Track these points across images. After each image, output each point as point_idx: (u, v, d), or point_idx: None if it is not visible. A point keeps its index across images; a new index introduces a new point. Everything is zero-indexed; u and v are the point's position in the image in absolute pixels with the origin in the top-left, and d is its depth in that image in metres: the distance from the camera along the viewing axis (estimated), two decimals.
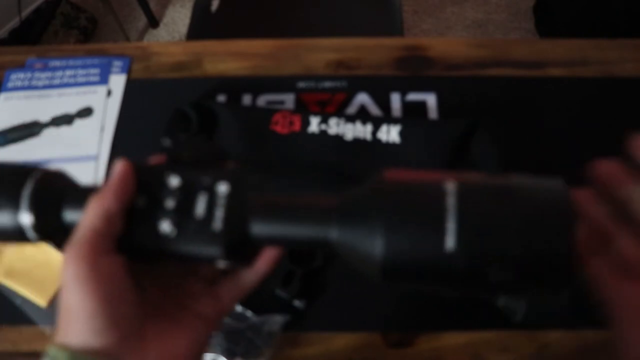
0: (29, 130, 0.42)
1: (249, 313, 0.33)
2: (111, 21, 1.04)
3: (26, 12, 0.93)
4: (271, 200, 0.18)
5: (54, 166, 0.19)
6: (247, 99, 0.43)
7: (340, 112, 0.41)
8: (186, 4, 1.11)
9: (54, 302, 0.35)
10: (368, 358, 0.33)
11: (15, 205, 0.18)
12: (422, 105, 0.42)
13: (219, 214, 0.17)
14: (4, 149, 0.41)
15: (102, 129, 0.42)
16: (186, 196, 0.18)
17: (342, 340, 0.33)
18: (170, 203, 0.18)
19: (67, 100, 0.43)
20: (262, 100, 0.43)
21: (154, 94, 0.43)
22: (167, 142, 0.19)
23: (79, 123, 0.42)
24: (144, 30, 1.09)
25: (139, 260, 0.19)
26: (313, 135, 0.39)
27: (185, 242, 0.17)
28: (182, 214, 0.17)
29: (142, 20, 1.09)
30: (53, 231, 0.18)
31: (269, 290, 0.33)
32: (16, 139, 0.42)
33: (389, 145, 0.38)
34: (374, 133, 0.39)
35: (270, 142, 0.38)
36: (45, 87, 0.44)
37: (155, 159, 0.20)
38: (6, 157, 0.41)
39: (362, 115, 0.41)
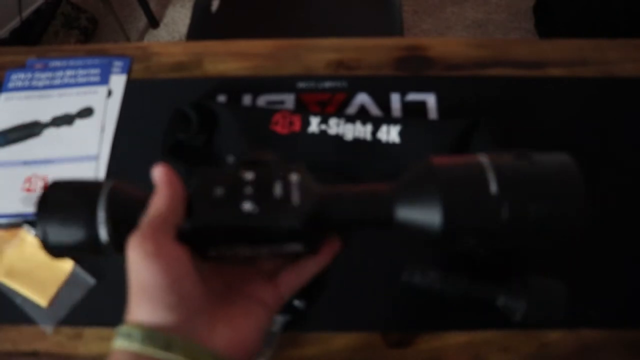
0: (29, 130, 0.42)
1: None
2: (111, 21, 1.04)
3: (27, 12, 0.93)
4: (338, 187, 0.20)
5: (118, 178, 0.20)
6: (247, 99, 0.43)
7: (340, 112, 0.41)
8: (186, 4, 1.11)
9: (54, 302, 0.35)
10: (368, 358, 0.33)
11: (92, 221, 0.19)
12: (422, 105, 0.42)
13: (296, 193, 0.19)
14: (4, 149, 0.41)
15: (102, 129, 0.42)
16: (262, 184, 0.19)
17: (342, 340, 0.33)
18: (248, 190, 0.19)
19: (68, 101, 0.43)
20: (262, 100, 0.43)
21: (154, 94, 0.43)
22: (231, 159, 0.21)
23: (79, 123, 0.42)
24: (144, 31, 1.09)
25: (216, 248, 0.19)
26: (313, 135, 0.39)
27: (267, 217, 0.18)
28: (261, 196, 0.19)
29: (143, 20, 1.09)
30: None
31: None
32: (17, 139, 0.42)
33: (388, 146, 0.38)
34: (374, 133, 0.39)
35: (270, 142, 0.39)
36: (45, 87, 0.44)
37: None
38: (7, 158, 0.41)
39: (362, 115, 0.41)
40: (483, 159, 0.19)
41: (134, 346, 0.17)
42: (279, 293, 0.21)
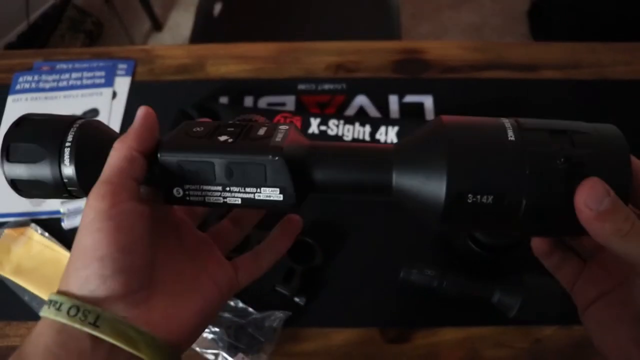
0: None
1: (250, 309, 0.34)
2: (116, 25, 1.05)
3: (34, 16, 0.95)
4: (331, 143, 0.18)
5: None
6: (248, 101, 0.44)
7: (339, 114, 0.42)
8: (189, 8, 1.13)
9: None
10: (366, 353, 0.33)
11: (57, 157, 0.17)
12: (419, 107, 0.43)
13: (280, 135, 0.17)
14: None
15: None
16: (246, 126, 0.18)
17: (341, 336, 0.34)
18: (230, 130, 0.17)
19: (74, 102, 0.44)
20: (264, 102, 0.44)
21: (158, 96, 0.44)
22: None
23: None
24: (148, 34, 1.11)
25: (183, 186, 0.17)
26: (313, 136, 0.40)
27: (242, 147, 0.17)
28: (242, 134, 0.17)
29: (147, 24, 1.10)
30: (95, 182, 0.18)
31: (270, 287, 0.34)
32: None
33: None
34: (373, 134, 0.40)
35: None
36: (52, 89, 0.45)
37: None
38: None
39: (361, 116, 0.42)
40: (504, 119, 0.16)
41: (59, 317, 0.15)
42: (235, 277, 0.20)
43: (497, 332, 0.33)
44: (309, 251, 0.36)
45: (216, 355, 0.32)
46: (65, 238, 0.38)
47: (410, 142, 0.17)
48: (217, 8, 0.70)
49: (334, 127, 0.40)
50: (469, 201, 0.15)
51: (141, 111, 0.18)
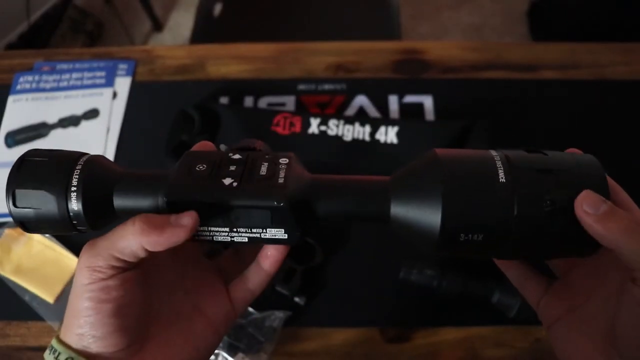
0: (36, 131, 0.43)
1: (250, 309, 0.34)
2: (117, 25, 1.06)
3: (34, 16, 0.95)
4: (331, 176, 0.19)
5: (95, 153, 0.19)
6: (248, 101, 0.44)
7: (339, 114, 0.42)
8: (190, 8, 1.13)
9: (60, 299, 0.36)
10: (366, 353, 0.33)
11: (64, 200, 0.17)
12: (419, 107, 0.43)
13: (282, 173, 0.18)
14: (12, 149, 0.42)
15: (108, 130, 0.43)
16: (248, 163, 0.18)
17: (341, 336, 0.34)
18: (232, 168, 0.18)
19: (74, 102, 0.44)
20: (264, 102, 0.44)
21: (158, 96, 0.44)
22: (223, 147, 0.20)
23: (85, 124, 0.43)
24: (148, 34, 1.11)
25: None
26: (313, 136, 0.40)
27: (247, 192, 0.17)
28: (245, 173, 0.18)
29: (147, 24, 1.10)
30: (103, 219, 0.18)
31: (270, 287, 0.34)
32: (25, 140, 0.43)
33: (387, 146, 0.39)
34: (373, 134, 0.40)
35: (271, 142, 0.39)
36: (52, 89, 0.45)
37: (202, 148, 0.20)
38: (15, 158, 0.42)
39: (361, 116, 0.42)
40: (493, 152, 0.17)
41: None
42: (232, 309, 0.20)
43: (497, 332, 0.33)
44: (309, 251, 0.36)
45: (216, 355, 0.32)
46: (66, 238, 0.38)
47: (406, 175, 0.18)
48: (217, 8, 0.70)
49: (334, 127, 0.40)
50: (461, 239, 0.17)
51: (190, 221, 0.17)
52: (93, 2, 1.07)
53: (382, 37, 0.65)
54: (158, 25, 1.10)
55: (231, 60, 0.46)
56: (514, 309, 0.32)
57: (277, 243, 0.18)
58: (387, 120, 0.40)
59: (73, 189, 0.17)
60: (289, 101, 0.43)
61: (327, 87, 0.44)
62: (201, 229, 0.18)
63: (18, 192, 0.17)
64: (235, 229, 0.18)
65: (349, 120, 0.40)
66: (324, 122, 0.40)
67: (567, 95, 0.43)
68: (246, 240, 0.18)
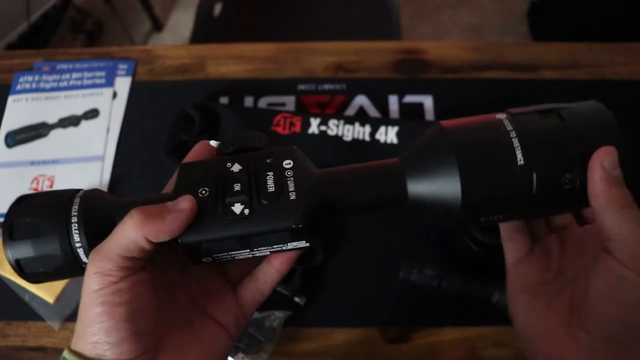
0: (36, 131, 0.43)
1: None
2: (117, 25, 1.06)
3: (34, 16, 0.95)
4: (339, 169, 0.18)
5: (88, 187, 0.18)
6: (248, 101, 0.44)
7: (339, 114, 0.42)
8: (190, 8, 1.13)
9: (60, 299, 0.36)
10: (366, 353, 0.33)
11: (65, 227, 0.16)
12: (419, 107, 0.43)
13: (291, 184, 0.17)
14: (12, 149, 0.42)
15: (108, 130, 0.43)
16: (251, 178, 0.17)
17: (341, 336, 0.34)
18: (237, 187, 0.17)
19: (74, 102, 0.44)
20: (264, 102, 0.44)
21: (158, 96, 0.44)
22: (214, 143, 0.20)
23: (85, 124, 0.43)
24: (148, 34, 1.11)
25: (212, 257, 0.17)
26: (313, 136, 0.40)
27: (261, 221, 0.16)
28: (252, 194, 0.17)
29: (147, 24, 1.10)
30: None
31: None
32: (24, 140, 0.43)
33: (387, 146, 0.39)
34: (373, 134, 0.40)
35: (271, 142, 0.39)
36: (52, 89, 0.45)
37: (200, 153, 0.19)
38: (15, 158, 0.42)
39: (361, 116, 0.42)
40: (502, 116, 0.17)
41: None
42: (242, 312, 0.20)
43: (497, 332, 0.33)
44: (309, 251, 0.36)
45: None
46: None
47: (416, 152, 0.18)
48: (217, 8, 0.70)
49: (334, 127, 0.40)
50: (482, 220, 0.17)
51: (187, 204, 0.16)
52: (93, 2, 1.07)
53: (382, 37, 0.65)
54: (158, 25, 1.11)
55: (231, 60, 0.46)
56: None
57: (300, 250, 0.18)
58: (387, 120, 0.40)
59: (74, 225, 0.16)
60: (289, 101, 0.43)
61: (327, 87, 0.44)
62: (222, 255, 0.18)
63: (16, 222, 0.17)
64: (256, 249, 0.18)
65: (349, 120, 0.40)
66: (324, 122, 0.40)
67: (566, 95, 0.43)
68: (268, 253, 0.18)
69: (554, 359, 0.17)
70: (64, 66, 0.46)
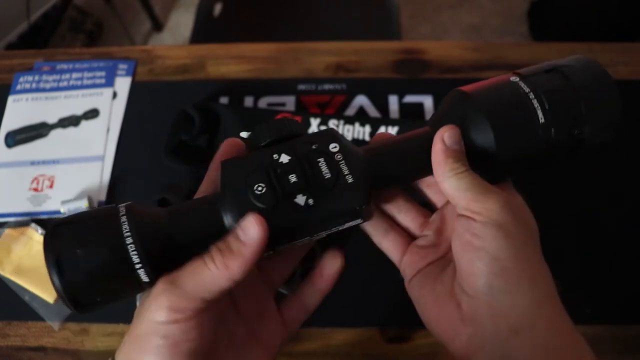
0: (36, 131, 0.43)
1: None
2: (117, 25, 1.06)
3: (34, 16, 0.95)
4: (379, 146, 0.19)
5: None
6: (249, 101, 0.44)
7: (339, 114, 0.42)
8: (190, 8, 1.13)
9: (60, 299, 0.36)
10: (367, 353, 0.33)
11: (123, 256, 0.15)
12: (419, 107, 0.43)
13: (345, 168, 0.17)
14: (12, 149, 0.42)
15: (108, 130, 0.43)
16: (305, 167, 0.17)
17: (341, 336, 0.34)
18: (292, 178, 0.17)
19: (74, 102, 0.44)
20: (264, 102, 0.44)
21: (158, 96, 0.44)
22: (245, 134, 0.20)
23: (85, 124, 0.43)
24: (148, 34, 1.11)
25: (274, 248, 0.17)
26: None
27: (327, 208, 0.17)
28: (310, 182, 0.17)
29: (147, 24, 1.10)
30: (166, 261, 0.16)
31: None
32: (24, 140, 0.43)
33: None
34: (373, 134, 0.40)
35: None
36: (52, 89, 0.45)
37: (230, 149, 0.19)
38: (15, 158, 0.42)
39: (361, 116, 0.42)
40: (515, 78, 0.18)
41: None
42: (286, 332, 0.20)
43: None
44: (309, 251, 0.36)
45: None
46: None
47: (443, 117, 0.19)
48: (217, 8, 0.70)
49: (334, 127, 0.40)
50: (516, 155, 0.18)
51: (256, 232, 0.16)
52: (93, 2, 1.07)
53: (382, 37, 0.65)
54: (158, 25, 1.11)
55: (231, 60, 0.46)
56: None
57: (352, 226, 0.19)
58: (387, 120, 0.40)
59: (131, 247, 0.15)
60: (289, 101, 0.43)
61: (327, 87, 0.44)
62: (284, 247, 0.18)
63: (64, 257, 0.15)
64: (316, 235, 0.18)
65: (349, 120, 0.40)
66: (324, 122, 0.40)
67: None
68: (324, 236, 0.19)
69: (445, 335, 0.18)
70: (64, 66, 0.46)
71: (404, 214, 0.21)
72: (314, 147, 0.18)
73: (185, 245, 0.17)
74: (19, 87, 0.45)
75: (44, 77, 0.45)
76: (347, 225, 0.18)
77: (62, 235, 0.16)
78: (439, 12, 1.09)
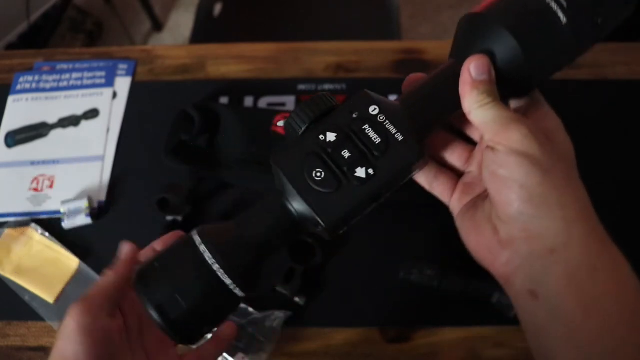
0: (36, 131, 0.43)
1: (250, 309, 0.34)
2: (117, 25, 1.06)
3: (34, 16, 0.95)
4: (410, 92, 0.19)
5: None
6: (249, 101, 0.44)
7: None
8: (190, 8, 1.13)
9: (60, 299, 0.36)
10: (367, 353, 0.33)
11: (221, 288, 0.16)
12: None
13: (391, 127, 0.18)
14: (12, 149, 0.42)
15: (108, 130, 0.43)
16: (354, 139, 0.17)
17: (341, 336, 0.34)
18: (346, 154, 0.17)
19: (74, 102, 0.44)
20: (264, 102, 0.44)
21: (158, 96, 0.44)
22: (281, 123, 0.20)
23: (85, 124, 0.43)
24: (148, 34, 1.11)
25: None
26: None
27: (386, 172, 0.17)
28: (364, 153, 0.17)
29: (147, 24, 1.10)
30: (253, 276, 0.18)
31: (270, 287, 0.34)
32: (24, 140, 0.43)
33: None
34: None
35: (271, 142, 0.39)
36: (52, 89, 0.45)
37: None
38: (15, 158, 0.42)
39: None
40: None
41: None
42: None
43: (496, 332, 0.33)
44: (309, 251, 0.36)
45: None
46: (66, 238, 0.38)
47: (465, 45, 0.19)
48: (217, 8, 0.70)
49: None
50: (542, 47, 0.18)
51: (127, 249, 0.22)
52: (93, 2, 1.07)
53: (382, 37, 0.65)
54: (158, 25, 1.11)
55: (231, 60, 0.46)
56: (513, 309, 0.32)
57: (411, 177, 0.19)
58: None
59: (216, 267, 0.16)
60: (289, 101, 0.43)
61: (327, 87, 0.44)
62: (354, 219, 0.18)
63: (165, 304, 0.16)
64: (382, 197, 0.18)
65: None
66: None
67: (566, 95, 0.43)
68: (387, 195, 0.19)
69: (487, 260, 0.19)
70: (64, 66, 0.46)
71: (450, 153, 0.22)
72: (354, 115, 0.18)
73: (264, 246, 0.18)
74: (19, 87, 0.45)
75: (44, 77, 0.45)
76: (407, 179, 0.18)
77: (153, 283, 0.17)
78: (439, 12, 1.09)
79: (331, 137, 0.17)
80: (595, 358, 0.16)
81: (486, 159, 0.18)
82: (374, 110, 0.18)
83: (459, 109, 0.19)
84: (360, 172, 0.17)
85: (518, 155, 0.17)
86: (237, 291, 0.17)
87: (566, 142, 0.19)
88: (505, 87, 0.18)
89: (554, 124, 0.19)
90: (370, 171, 0.17)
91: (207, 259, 0.17)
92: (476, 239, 0.19)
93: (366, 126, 0.18)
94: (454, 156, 0.22)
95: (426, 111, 0.19)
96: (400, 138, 0.17)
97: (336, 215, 0.17)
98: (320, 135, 0.18)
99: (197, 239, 0.17)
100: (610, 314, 0.16)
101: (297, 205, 0.17)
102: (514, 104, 0.21)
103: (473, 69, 0.18)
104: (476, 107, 0.18)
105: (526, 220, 0.17)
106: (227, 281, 0.17)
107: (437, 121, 0.19)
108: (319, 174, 0.17)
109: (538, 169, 0.17)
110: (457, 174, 0.22)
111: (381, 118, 0.18)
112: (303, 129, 0.18)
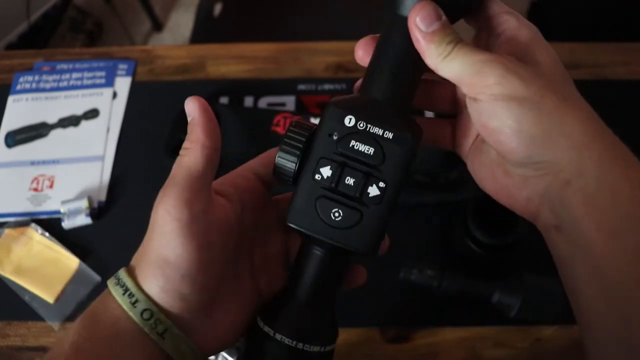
0: (36, 131, 0.43)
1: None
2: (117, 25, 1.06)
3: (34, 16, 0.95)
4: (368, 75, 0.18)
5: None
6: (249, 101, 0.44)
7: None
8: (190, 8, 1.13)
9: (60, 299, 0.36)
10: (367, 353, 0.33)
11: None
12: None
13: (377, 130, 0.17)
14: (12, 149, 0.42)
15: (108, 130, 0.43)
16: (348, 163, 0.17)
17: (341, 336, 0.33)
18: (350, 181, 0.17)
19: (74, 102, 0.44)
20: (264, 102, 0.44)
21: (158, 96, 0.44)
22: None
23: (85, 124, 0.43)
24: (148, 34, 1.11)
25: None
26: None
27: (394, 172, 0.17)
28: (366, 171, 0.17)
29: (147, 24, 1.10)
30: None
31: None
32: (25, 140, 0.43)
33: None
34: None
35: (271, 142, 0.39)
36: (52, 89, 0.45)
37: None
38: (15, 158, 0.42)
39: None
40: None
41: (132, 313, 0.16)
42: (272, 282, 0.20)
43: (497, 332, 0.33)
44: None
45: (216, 355, 0.32)
46: (66, 238, 0.38)
47: None
48: (217, 8, 0.70)
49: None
50: None
51: (196, 103, 0.17)
52: (93, 2, 1.07)
53: None
54: (158, 25, 1.11)
55: (231, 60, 0.46)
56: (514, 309, 0.32)
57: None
58: None
59: (301, 346, 0.17)
60: (289, 101, 0.43)
61: (327, 87, 0.44)
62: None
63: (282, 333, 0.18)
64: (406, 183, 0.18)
65: None
66: None
67: None
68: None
69: (507, 201, 0.18)
70: (64, 66, 0.46)
71: (434, 102, 0.20)
72: (335, 137, 0.17)
73: (312, 294, 0.18)
74: (19, 87, 0.45)
75: (44, 77, 0.45)
76: (414, 162, 0.18)
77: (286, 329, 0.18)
78: None
79: (326, 172, 0.17)
80: (618, 286, 0.15)
81: (472, 111, 0.17)
82: (350, 121, 0.17)
83: (427, 68, 0.17)
84: (373, 191, 0.17)
85: (502, 100, 0.15)
86: (315, 349, 0.18)
87: (548, 52, 0.17)
88: (455, 10, 0.17)
89: (526, 34, 0.17)
90: (382, 184, 0.17)
91: (285, 343, 0.18)
92: (492, 186, 0.18)
93: (352, 142, 0.17)
94: (439, 102, 0.20)
95: (396, 90, 0.17)
96: (390, 135, 0.17)
97: (371, 240, 0.17)
98: (315, 175, 0.17)
99: (269, 331, 0.18)
100: (633, 237, 0.15)
101: (322, 250, 0.18)
102: (475, 26, 0.19)
103: (420, 22, 0.16)
104: (440, 60, 0.16)
105: (535, 160, 0.16)
106: (308, 348, 0.18)
107: (412, 90, 0.18)
108: (337, 214, 0.17)
109: (528, 108, 0.15)
110: (450, 117, 0.20)
111: (361, 125, 0.17)
112: (295, 167, 0.17)
